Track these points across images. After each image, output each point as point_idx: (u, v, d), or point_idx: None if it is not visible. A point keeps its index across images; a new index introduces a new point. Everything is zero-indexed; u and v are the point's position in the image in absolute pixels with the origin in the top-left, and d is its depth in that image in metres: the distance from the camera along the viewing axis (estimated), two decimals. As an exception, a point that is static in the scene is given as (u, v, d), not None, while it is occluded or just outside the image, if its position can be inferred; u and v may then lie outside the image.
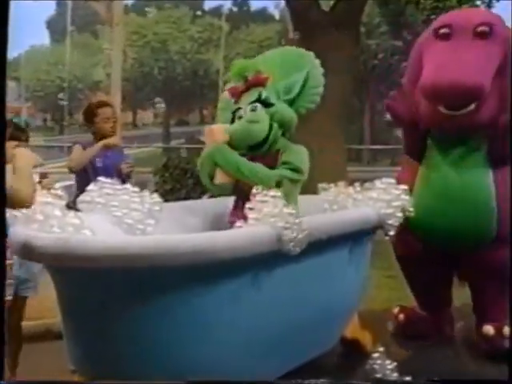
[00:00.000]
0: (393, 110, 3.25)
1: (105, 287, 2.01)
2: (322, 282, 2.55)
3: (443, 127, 3.04)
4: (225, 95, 3.07)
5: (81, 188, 2.82)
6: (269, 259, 2.23)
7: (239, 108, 2.84)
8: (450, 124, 2.98)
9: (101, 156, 3.79)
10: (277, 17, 32.80)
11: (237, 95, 2.89)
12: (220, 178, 2.74)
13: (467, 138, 3.05)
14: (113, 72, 5.14)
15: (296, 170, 2.74)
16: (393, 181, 2.92)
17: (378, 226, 2.82)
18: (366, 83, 24.39)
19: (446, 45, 3.01)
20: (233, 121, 2.85)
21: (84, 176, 3.66)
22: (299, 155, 2.80)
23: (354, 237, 2.72)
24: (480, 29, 2.93)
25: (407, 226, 2.94)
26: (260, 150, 2.76)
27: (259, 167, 2.69)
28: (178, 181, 7.93)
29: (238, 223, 2.26)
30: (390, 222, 2.77)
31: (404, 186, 2.89)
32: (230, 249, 2.06)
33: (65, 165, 3.80)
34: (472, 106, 2.88)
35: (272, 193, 2.30)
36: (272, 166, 2.73)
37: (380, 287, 4.66)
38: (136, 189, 2.67)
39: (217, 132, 2.72)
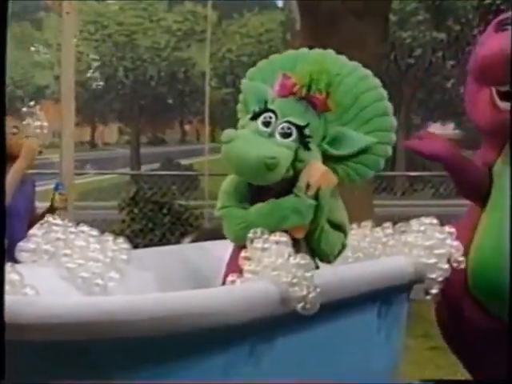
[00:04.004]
0: (423, 150, 3.38)
1: (58, 363, 2.01)
2: (339, 356, 2.55)
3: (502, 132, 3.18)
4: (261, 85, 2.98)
5: None
6: (270, 325, 2.23)
7: (270, 110, 2.76)
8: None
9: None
10: (279, 3, 33.19)
11: (286, 92, 2.79)
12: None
13: None
14: (62, 74, 5.15)
15: (346, 231, 2.83)
16: (435, 220, 2.94)
17: (416, 281, 2.83)
18: (399, 88, 24.55)
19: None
20: (254, 118, 2.77)
21: None
22: (342, 208, 2.85)
23: (384, 295, 2.72)
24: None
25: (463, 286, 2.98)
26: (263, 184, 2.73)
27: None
28: (151, 219, 7.95)
29: (231, 277, 2.28)
30: (431, 275, 2.77)
31: (451, 229, 2.91)
32: (218, 313, 2.06)
33: None
34: None
35: (275, 238, 2.32)
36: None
37: (420, 363, 4.65)
38: (95, 232, 2.68)
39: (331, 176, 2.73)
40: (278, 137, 2.71)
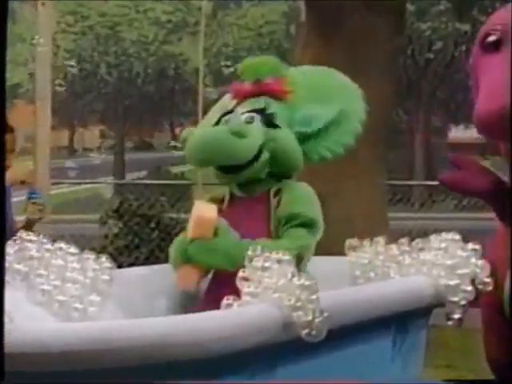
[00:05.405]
0: (460, 185, 3.38)
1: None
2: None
3: None
4: (227, 97, 3.18)
5: None
6: (271, 354, 2.24)
7: (231, 111, 2.95)
8: None
9: None
10: (283, -7, 33.17)
11: (241, 96, 3.00)
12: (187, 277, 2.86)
13: None
14: (38, 71, 5.18)
15: (311, 224, 2.84)
16: (458, 236, 2.94)
17: (436, 305, 2.83)
18: (417, 86, 24.57)
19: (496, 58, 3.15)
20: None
21: None
22: (308, 201, 2.91)
23: (400, 320, 2.73)
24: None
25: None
26: (234, 174, 2.90)
27: (271, 244, 2.74)
28: (137, 234, 7.94)
29: (227, 300, 2.28)
30: (453, 298, 2.77)
31: (475, 246, 2.91)
32: (212, 339, 2.06)
33: None
34: None
35: (277, 256, 2.33)
36: (261, 214, 2.85)
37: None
38: (74, 249, 2.68)
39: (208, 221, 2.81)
40: None
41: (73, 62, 26.04)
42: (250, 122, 2.89)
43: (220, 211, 2.93)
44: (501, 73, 3.06)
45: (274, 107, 2.93)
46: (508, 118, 2.93)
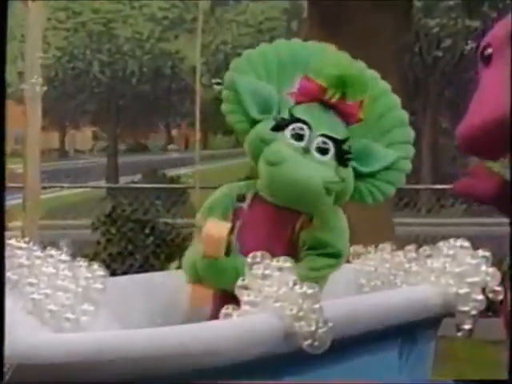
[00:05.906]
0: (469, 192, 3.40)
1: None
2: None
3: None
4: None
5: None
6: (271, 366, 2.24)
7: (297, 120, 2.82)
8: None
9: None
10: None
11: (310, 99, 2.86)
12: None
13: None
14: (27, 70, 5.19)
15: (337, 256, 2.83)
16: (467, 243, 2.94)
17: (445, 315, 2.83)
18: (425, 86, 24.57)
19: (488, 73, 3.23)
20: (277, 129, 2.83)
21: None
22: (340, 229, 2.88)
23: (407, 331, 2.73)
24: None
25: None
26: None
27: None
28: (131, 240, 7.94)
29: (225, 310, 2.29)
30: (463, 308, 2.77)
31: (485, 253, 2.91)
32: (210, 351, 2.07)
33: None
34: None
35: (278, 263, 2.33)
36: (284, 225, 2.82)
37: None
38: (65, 256, 2.68)
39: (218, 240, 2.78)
40: (315, 153, 2.79)
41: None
42: (323, 149, 2.78)
43: (240, 210, 2.91)
44: (486, 88, 3.10)
45: (350, 142, 2.84)
46: (483, 137, 2.97)
